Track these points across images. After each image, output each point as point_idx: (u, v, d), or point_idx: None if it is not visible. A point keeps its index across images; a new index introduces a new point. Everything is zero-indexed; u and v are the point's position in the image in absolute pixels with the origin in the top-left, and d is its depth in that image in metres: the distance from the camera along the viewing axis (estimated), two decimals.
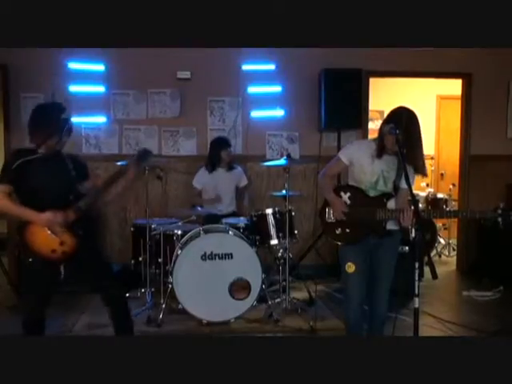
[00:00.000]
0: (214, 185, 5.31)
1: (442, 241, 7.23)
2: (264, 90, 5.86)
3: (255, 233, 4.68)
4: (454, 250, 7.00)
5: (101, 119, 5.71)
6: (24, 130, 5.43)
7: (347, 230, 3.07)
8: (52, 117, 3.01)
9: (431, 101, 8.11)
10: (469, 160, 6.26)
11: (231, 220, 4.88)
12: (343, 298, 3.27)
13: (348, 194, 3.08)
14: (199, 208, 4.97)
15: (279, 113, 5.91)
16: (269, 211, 4.71)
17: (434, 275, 5.51)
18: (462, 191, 6.35)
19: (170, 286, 4.25)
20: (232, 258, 4.28)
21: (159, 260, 4.64)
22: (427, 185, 7.28)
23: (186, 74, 5.75)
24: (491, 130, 6.18)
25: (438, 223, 7.21)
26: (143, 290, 4.83)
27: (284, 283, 4.74)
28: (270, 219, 4.68)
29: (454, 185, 6.85)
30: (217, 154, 5.31)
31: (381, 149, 2.94)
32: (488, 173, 6.16)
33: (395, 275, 3.14)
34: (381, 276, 3.12)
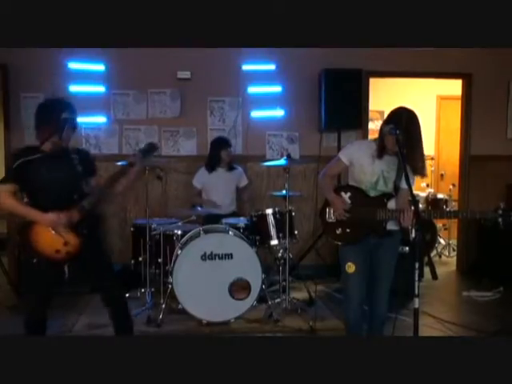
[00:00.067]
0: (213, 185, 5.31)
1: (442, 241, 7.23)
2: (264, 90, 5.86)
3: (255, 233, 4.68)
4: (454, 250, 7.00)
5: (101, 119, 5.71)
6: (24, 129, 5.56)
7: (347, 230, 3.07)
8: (52, 115, 2.99)
9: (431, 101, 8.11)
10: (469, 160, 6.26)
11: (231, 220, 4.87)
12: (343, 298, 3.27)
13: (348, 194, 3.08)
14: (199, 208, 4.97)
15: (279, 113, 5.91)
16: (269, 211, 4.71)
17: (434, 275, 5.51)
18: (462, 191, 6.35)
19: (170, 286, 4.25)
20: (232, 258, 4.28)
21: (159, 260, 4.64)
22: (427, 185, 7.28)
23: (186, 74, 5.75)
24: (491, 130, 6.19)
25: (438, 223, 7.21)
26: (143, 290, 4.83)
27: (284, 283, 4.74)
28: (270, 219, 4.68)
29: (454, 185, 6.85)
30: (217, 154, 5.30)
31: (381, 149, 2.94)
32: (488, 173, 6.16)
33: (395, 275, 3.14)
34: (381, 276, 3.12)
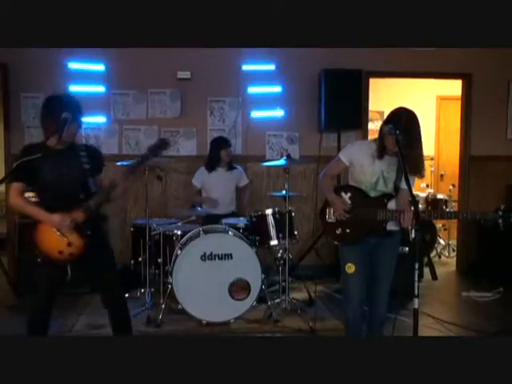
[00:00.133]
0: (213, 184, 5.30)
1: (441, 241, 7.23)
2: (264, 91, 5.86)
3: (255, 233, 4.67)
4: (453, 250, 7.00)
5: (101, 119, 5.71)
6: (24, 129, 5.56)
7: (347, 231, 3.06)
8: (54, 113, 2.94)
9: (431, 101, 8.11)
10: (469, 161, 6.26)
11: (231, 220, 4.87)
12: (343, 298, 3.27)
13: (348, 195, 3.08)
14: (199, 208, 4.98)
15: (279, 113, 5.91)
16: (268, 212, 4.71)
17: (434, 276, 5.47)
18: (462, 192, 6.35)
19: (170, 286, 4.25)
20: (232, 258, 4.28)
21: (159, 260, 4.64)
22: (427, 185, 7.29)
23: (186, 74, 5.75)
24: (491, 130, 6.19)
25: (438, 224, 7.21)
26: (143, 291, 4.83)
27: (284, 284, 4.74)
28: (270, 220, 4.68)
29: (453, 185, 6.85)
30: (216, 154, 5.29)
31: (381, 149, 2.94)
32: (488, 173, 6.16)
33: (395, 276, 3.14)
34: (381, 276, 3.12)
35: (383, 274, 3.12)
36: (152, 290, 4.75)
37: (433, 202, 6.89)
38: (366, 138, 5.98)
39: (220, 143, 5.34)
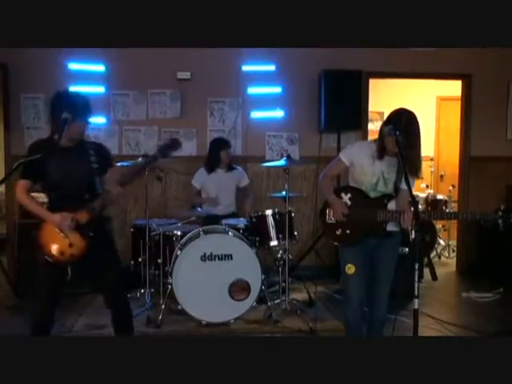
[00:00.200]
0: (213, 185, 5.29)
1: (441, 242, 7.23)
2: (264, 91, 5.87)
3: (255, 234, 4.67)
4: (453, 251, 6.99)
5: (100, 120, 5.71)
6: (24, 130, 5.55)
7: (347, 231, 3.06)
8: (57, 109, 2.93)
9: (431, 102, 8.11)
10: (468, 161, 6.27)
11: (231, 221, 4.87)
12: (343, 299, 3.27)
13: (348, 195, 3.08)
14: (199, 209, 4.97)
15: (279, 114, 5.91)
16: (268, 212, 4.70)
17: (434, 276, 5.47)
18: (462, 192, 6.35)
19: (170, 286, 4.25)
20: (231, 258, 4.28)
21: (159, 261, 4.64)
22: (427, 186, 7.29)
23: (186, 75, 5.76)
24: (491, 131, 6.19)
25: (438, 224, 7.21)
26: (143, 291, 4.83)
27: (283, 284, 4.74)
28: (270, 220, 4.68)
29: (453, 186, 6.85)
30: (216, 155, 5.28)
31: (381, 150, 2.94)
32: (488, 174, 6.16)
33: (395, 276, 3.14)
34: (381, 277, 3.12)
35: (383, 275, 3.12)
36: (152, 290, 4.75)
37: (432, 203, 6.89)
38: (366, 138, 5.99)
39: (220, 144, 5.33)
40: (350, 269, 3.05)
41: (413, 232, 2.50)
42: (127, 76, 5.71)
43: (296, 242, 4.93)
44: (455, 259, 6.65)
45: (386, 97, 7.26)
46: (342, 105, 5.50)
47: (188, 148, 5.85)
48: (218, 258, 4.26)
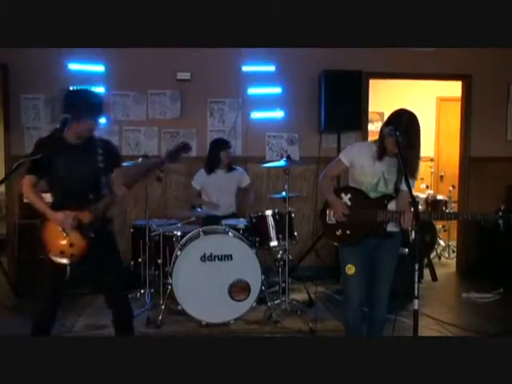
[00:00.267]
0: (213, 186, 5.29)
1: (441, 243, 7.22)
2: (264, 92, 5.86)
3: (255, 234, 4.67)
4: (453, 251, 6.99)
5: (100, 120, 5.69)
6: (24, 130, 5.55)
7: (347, 232, 3.06)
8: (67, 107, 2.94)
9: (431, 102, 8.11)
10: (468, 162, 6.27)
11: (231, 221, 4.87)
12: (343, 299, 3.26)
13: (349, 196, 3.07)
14: (199, 209, 4.97)
15: (279, 114, 5.91)
16: (268, 212, 4.70)
17: (434, 277, 5.47)
18: (462, 193, 6.35)
19: (170, 287, 4.24)
20: (231, 259, 4.27)
21: (159, 261, 4.64)
22: (427, 187, 7.28)
23: (185, 75, 5.75)
24: (491, 131, 6.19)
25: (438, 225, 7.21)
26: (142, 291, 4.83)
27: (283, 285, 4.74)
28: (270, 221, 4.68)
29: (453, 186, 6.85)
30: (216, 156, 5.27)
31: (381, 151, 2.94)
32: (488, 175, 6.16)
33: (395, 277, 3.14)
34: (381, 277, 3.12)
35: (383, 275, 3.12)
36: (152, 290, 4.75)
37: (433, 203, 6.89)
38: (366, 139, 5.99)
39: (220, 145, 5.32)
40: (350, 269, 3.05)
41: (413, 232, 2.50)
42: (127, 76, 5.71)
43: (296, 242, 4.92)
44: (455, 260, 6.65)
45: (386, 97, 7.27)
46: (342, 105, 5.50)
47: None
48: (218, 259, 4.26)
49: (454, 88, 6.57)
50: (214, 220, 4.85)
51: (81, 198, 2.97)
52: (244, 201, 5.59)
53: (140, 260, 4.91)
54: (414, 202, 2.64)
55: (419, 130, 2.85)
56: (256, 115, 5.90)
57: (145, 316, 4.36)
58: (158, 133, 5.82)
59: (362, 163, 3.00)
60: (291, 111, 5.93)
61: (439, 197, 7.02)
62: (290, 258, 4.92)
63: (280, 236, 4.65)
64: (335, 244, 3.17)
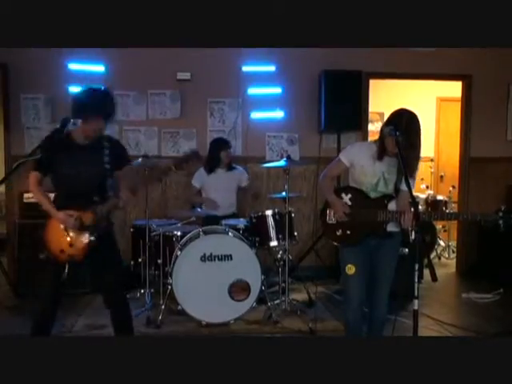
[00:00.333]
0: (213, 186, 5.28)
1: (441, 243, 7.23)
2: (264, 92, 5.87)
3: (255, 234, 4.67)
4: (453, 252, 6.99)
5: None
6: (24, 130, 5.55)
7: (348, 232, 3.06)
8: (77, 107, 2.93)
9: (431, 103, 8.11)
10: (468, 162, 6.27)
11: (231, 221, 4.87)
12: (343, 299, 3.26)
13: (349, 196, 3.07)
14: (199, 209, 4.97)
15: (279, 114, 5.91)
16: (268, 212, 4.70)
17: (434, 277, 5.47)
18: (462, 193, 6.35)
19: (170, 287, 4.24)
20: (231, 259, 4.27)
21: (159, 261, 4.64)
22: (427, 187, 7.29)
23: (186, 75, 5.76)
24: (491, 131, 6.19)
25: (438, 225, 7.21)
26: (142, 291, 4.83)
27: (283, 285, 4.73)
28: (270, 221, 4.68)
29: (453, 187, 6.85)
30: (216, 155, 5.27)
31: (381, 151, 2.94)
32: (488, 175, 6.16)
33: (395, 277, 3.13)
34: (381, 278, 3.12)
35: (383, 276, 3.12)
36: (152, 290, 4.75)
37: (433, 204, 6.89)
38: (366, 139, 5.99)
39: (220, 144, 5.32)
40: (350, 269, 3.05)
41: (413, 233, 2.50)
42: (127, 76, 5.71)
43: (296, 242, 4.92)
44: (455, 260, 6.65)
45: (386, 97, 7.26)
46: (342, 105, 5.51)
47: (188, 148, 5.84)
48: (218, 259, 4.26)
49: (454, 88, 6.57)
50: (214, 220, 4.85)
51: (85, 198, 2.97)
52: (244, 201, 5.59)
53: (140, 260, 4.91)
54: (414, 202, 2.64)
55: (419, 130, 2.85)
56: (256, 115, 5.90)
57: (145, 316, 4.36)
58: (158, 133, 5.82)
59: (362, 163, 3.00)
60: (291, 111, 5.93)
61: (439, 197, 7.02)
62: (290, 257, 4.92)
63: (280, 236, 4.65)
64: (335, 244, 3.17)
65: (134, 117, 5.79)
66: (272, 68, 5.85)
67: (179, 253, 4.28)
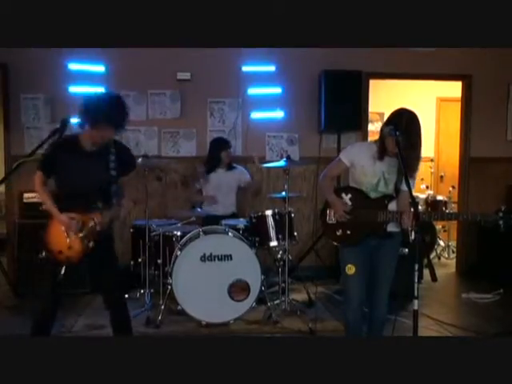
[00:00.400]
0: (214, 185, 5.28)
1: (441, 243, 7.22)
2: (264, 92, 5.86)
3: (255, 234, 4.67)
4: (453, 252, 6.99)
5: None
6: (23, 130, 5.55)
7: (348, 232, 3.06)
8: (85, 113, 2.95)
9: (431, 103, 8.11)
10: (468, 162, 6.26)
11: (231, 221, 4.87)
12: (343, 299, 3.26)
13: (349, 196, 3.07)
14: (199, 209, 4.97)
15: (279, 114, 5.91)
16: (268, 213, 4.70)
17: (434, 277, 5.47)
18: (462, 193, 6.35)
19: (169, 287, 4.24)
20: (231, 259, 4.27)
21: (158, 261, 4.63)
22: (427, 187, 7.28)
23: (186, 75, 5.75)
24: (491, 132, 6.19)
25: (438, 225, 7.21)
26: (142, 291, 4.82)
27: (283, 285, 4.73)
28: (270, 221, 4.67)
29: (453, 187, 6.84)
30: (216, 155, 5.28)
31: (382, 151, 2.94)
32: (488, 175, 6.16)
33: (395, 277, 3.13)
34: (381, 278, 3.11)
35: (383, 276, 3.12)
36: (152, 290, 4.75)
37: (432, 204, 6.89)
38: (366, 139, 5.99)
39: (220, 144, 5.32)
40: (351, 269, 3.04)
41: (413, 233, 2.50)
42: (127, 76, 5.70)
43: (296, 242, 4.92)
44: (455, 260, 6.65)
45: (386, 97, 7.26)
46: (342, 105, 5.51)
47: (188, 148, 5.85)
48: (218, 259, 4.26)
49: (454, 88, 6.57)
50: (213, 220, 4.85)
51: (88, 203, 2.98)
52: (244, 200, 5.58)
53: (140, 260, 4.91)
54: (414, 202, 2.64)
55: (420, 130, 2.85)
56: (256, 115, 5.90)
57: (144, 316, 4.36)
58: (157, 133, 5.82)
59: (362, 163, 3.00)
60: (291, 111, 5.92)
61: (439, 197, 7.02)
62: (290, 258, 4.91)
63: (280, 236, 4.65)
64: (335, 244, 3.17)
65: (133, 117, 5.72)
66: (272, 68, 5.85)
67: (179, 253, 4.28)
